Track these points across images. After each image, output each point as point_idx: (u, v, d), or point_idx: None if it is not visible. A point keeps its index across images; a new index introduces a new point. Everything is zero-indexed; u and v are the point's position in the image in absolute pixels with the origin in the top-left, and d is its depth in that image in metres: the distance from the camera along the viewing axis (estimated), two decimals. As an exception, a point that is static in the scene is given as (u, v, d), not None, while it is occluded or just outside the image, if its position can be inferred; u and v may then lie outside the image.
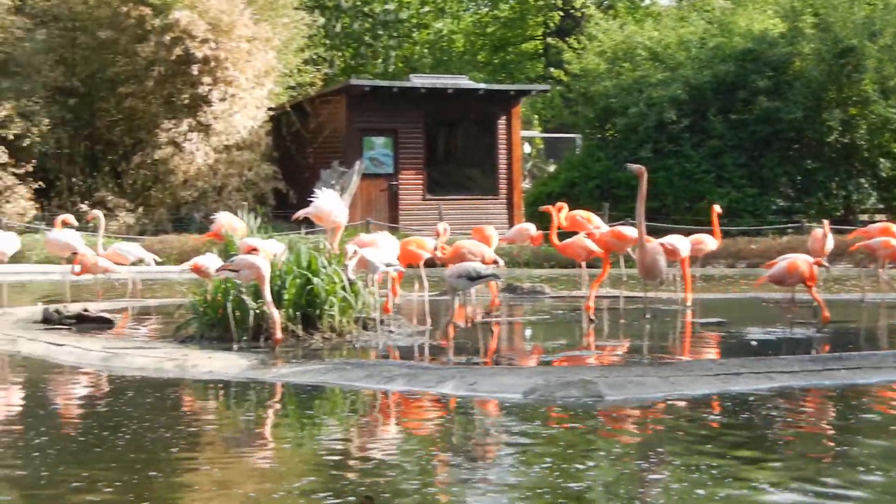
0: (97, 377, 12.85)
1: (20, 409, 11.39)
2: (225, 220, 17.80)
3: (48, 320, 16.74)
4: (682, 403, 10.72)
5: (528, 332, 17.27)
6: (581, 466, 8.29)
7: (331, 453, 9.03)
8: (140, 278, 22.42)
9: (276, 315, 13.84)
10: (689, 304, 18.17)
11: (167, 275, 27.73)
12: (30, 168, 38.58)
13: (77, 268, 18.95)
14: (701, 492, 7.47)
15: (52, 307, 17.15)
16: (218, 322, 14.70)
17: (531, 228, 21.11)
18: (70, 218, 19.17)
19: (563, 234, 20.03)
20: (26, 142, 38.38)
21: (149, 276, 28.57)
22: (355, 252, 15.14)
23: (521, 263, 27.74)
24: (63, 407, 11.36)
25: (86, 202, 39.07)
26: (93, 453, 8.87)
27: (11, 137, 38.03)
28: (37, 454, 8.80)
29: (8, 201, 38.23)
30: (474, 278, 13.92)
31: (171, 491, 7.92)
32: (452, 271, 14.04)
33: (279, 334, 13.82)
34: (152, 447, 9.07)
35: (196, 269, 16.18)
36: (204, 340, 14.54)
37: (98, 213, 19.97)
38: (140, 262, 19.80)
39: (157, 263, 21.37)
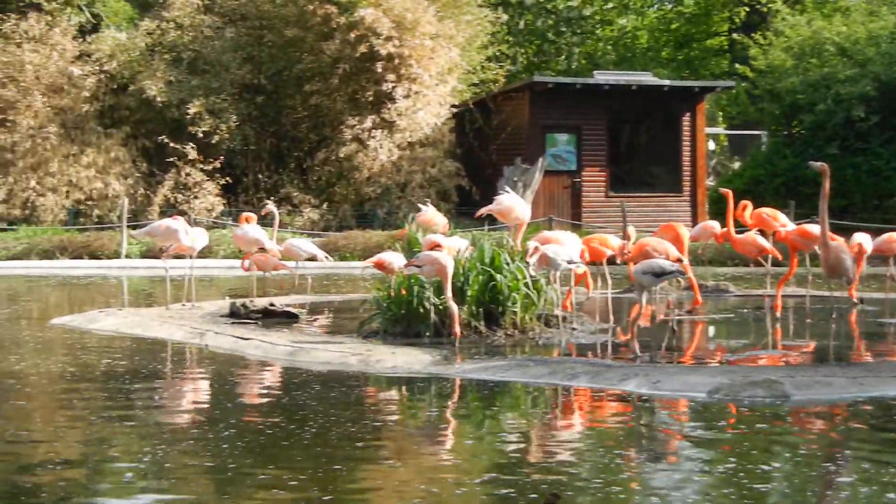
0: (283, 371, 13.03)
1: (208, 402, 11.59)
2: (427, 215, 17.84)
3: (235, 314, 17.02)
4: (870, 405, 10.45)
5: (712, 331, 17.03)
6: (766, 467, 8.14)
7: (513, 450, 9.01)
8: (313, 274, 22.64)
9: (455, 311, 13.85)
10: (855, 300, 17.59)
11: (351, 270, 28.04)
12: (217, 164, 39.32)
13: (248, 262, 19.23)
14: (891, 496, 7.27)
15: (238, 302, 17.43)
16: (401, 318, 14.79)
17: (716, 226, 20.79)
18: (252, 216, 19.48)
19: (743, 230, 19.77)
20: (214, 138, 39.13)
21: (333, 271, 28.95)
22: (536, 248, 15.09)
23: (705, 261, 27.39)
24: (250, 400, 11.53)
25: (272, 198, 39.69)
26: (279, 447, 8.99)
27: (200, 134, 38.80)
28: (225, 447, 8.94)
29: (196, 197, 39.03)
30: (660, 275, 13.74)
31: (354, 485, 7.97)
32: (639, 268, 13.90)
33: (457, 330, 13.83)
34: (337, 442, 9.15)
35: (379, 265, 16.30)
36: (387, 336, 14.64)
37: (272, 207, 20.25)
38: (312, 258, 20.02)
39: (329, 260, 21.58)
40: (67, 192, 39.20)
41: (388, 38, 38.90)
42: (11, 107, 39.30)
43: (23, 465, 8.59)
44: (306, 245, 20.11)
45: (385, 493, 7.71)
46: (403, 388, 12.01)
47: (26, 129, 39.20)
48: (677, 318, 17.31)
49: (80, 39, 41.71)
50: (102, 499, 7.74)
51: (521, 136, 41.25)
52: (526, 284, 15.01)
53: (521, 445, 9.23)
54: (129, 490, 7.93)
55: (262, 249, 19.32)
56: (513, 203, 16.66)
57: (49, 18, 41.04)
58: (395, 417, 10.54)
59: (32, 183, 38.75)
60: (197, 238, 18.26)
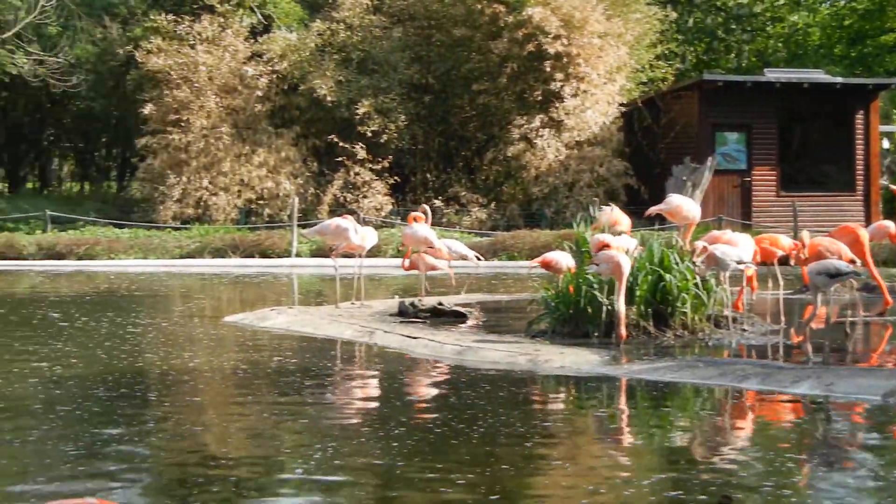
0: (451, 370, 13.07)
1: (377, 400, 11.69)
2: (612, 215, 17.74)
3: (404, 313, 17.13)
4: None
5: (889, 333, 16.64)
6: (947, 476, 7.92)
7: (681, 451, 8.91)
8: (478, 274, 22.61)
9: (623, 312, 13.75)
10: None
11: (519, 270, 28.03)
12: (386, 164, 39.65)
13: (406, 262, 19.30)
14: None
15: (407, 300, 17.54)
16: (569, 317, 14.74)
17: (890, 226, 20.32)
18: (421, 216, 19.59)
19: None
20: (383, 138, 39.47)
21: (502, 271, 28.99)
22: (704, 248, 14.92)
23: (879, 262, 26.78)
24: (419, 399, 11.59)
25: (440, 197, 39.92)
26: (448, 445, 9.02)
27: (369, 134, 39.16)
28: (395, 445, 9.00)
29: (365, 196, 39.40)
30: (834, 276, 13.47)
31: (521, 485, 7.96)
32: (813, 268, 13.64)
33: (623, 332, 13.72)
34: (505, 441, 9.15)
35: (545, 265, 16.24)
36: (555, 335, 14.60)
37: (426, 207, 20.31)
38: (463, 258, 20.02)
39: (479, 261, 21.54)
40: (239, 191, 39.87)
41: (557, 37, 38.83)
42: (185, 107, 40.10)
43: (195, 461, 8.75)
44: (457, 246, 20.12)
45: (552, 494, 7.69)
46: (571, 388, 11.97)
47: (199, 129, 39.96)
48: (860, 319, 16.95)
49: (252, 40, 42.41)
50: (272, 495, 7.85)
51: (690, 135, 40.85)
52: (696, 284, 14.84)
53: (690, 447, 9.13)
54: (299, 486, 8.03)
55: (432, 247, 19.40)
56: (682, 202, 16.51)
57: (222, 20, 41.80)
58: (563, 417, 10.51)
59: (205, 182, 39.48)
60: (366, 237, 18.42)
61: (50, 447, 9.05)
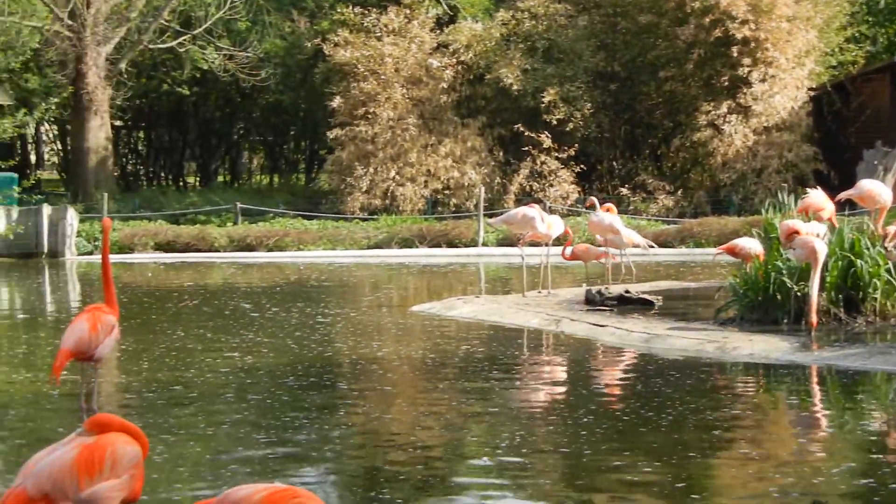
0: (639, 358, 13.02)
1: (566, 387, 11.70)
2: (816, 200, 17.39)
3: (590, 301, 17.09)
4: None
5: None
6: None
7: (874, 439, 8.74)
8: (647, 262, 22.35)
9: (815, 299, 13.47)
10: None
11: (706, 257, 27.74)
12: (572, 152, 39.56)
13: (568, 251, 19.19)
14: None
15: (594, 289, 17.49)
16: (758, 305, 14.53)
17: None
18: (611, 206, 19.48)
19: None
20: (569, 126, 39.39)
21: (689, 258, 28.72)
22: (896, 233, 14.58)
23: None
24: (607, 387, 11.57)
25: (626, 185, 39.71)
26: (636, 433, 8.99)
27: (555, 123, 39.12)
28: (584, 433, 9.00)
29: (551, 185, 39.38)
30: None
31: (707, 473, 7.90)
32: None
33: (813, 319, 13.44)
34: (693, 429, 9.09)
35: (731, 251, 16.05)
36: (744, 322, 14.41)
37: (594, 199, 20.14)
38: (635, 246, 19.81)
39: (652, 248, 21.28)
40: (426, 181, 40.19)
41: (744, 22, 38.28)
42: (372, 99, 40.53)
43: (384, 448, 8.87)
44: (630, 234, 19.89)
45: (739, 482, 7.61)
46: (760, 375, 11.82)
47: (386, 120, 40.37)
48: None
49: (438, 31, 42.67)
50: (460, 482, 7.91)
51: (881, 119, 39.90)
52: (888, 270, 14.49)
53: (882, 435, 8.94)
54: (487, 472, 8.08)
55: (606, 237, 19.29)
56: (874, 187, 16.14)
57: (408, 11, 42.12)
58: (752, 405, 10.38)
59: (392, 173, 39.88)
60: (553, 225, 18.42)
61: (242, 434, 9.26)
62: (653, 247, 21.33)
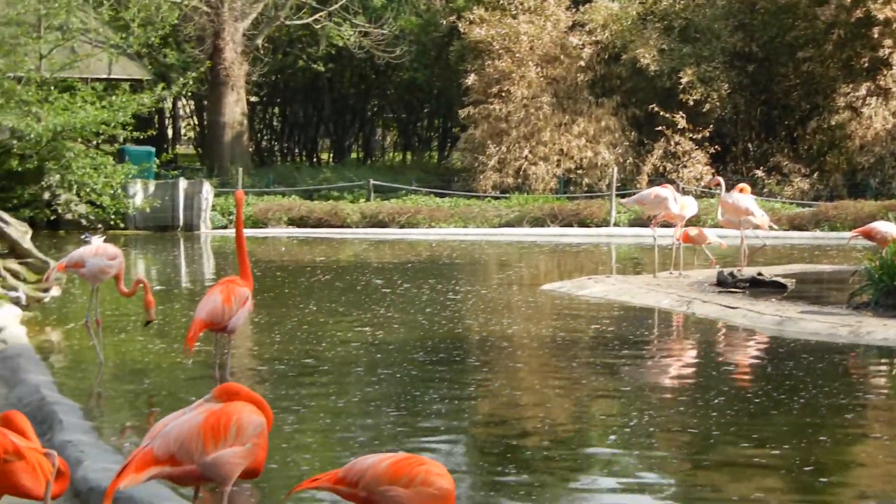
0: (770, 340, 12.89)
1: (696, 368, 11.63)
2: None
3: (722, 283, 16.94)
4: None
5: None
6: None
7: None
8: (781, 244, 21.95)
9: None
10: None
11: (841, 241, 27.33)
12: (706, 133, 39.17)
13: (679, 232, 18.95)
14: None
15: (726, 270, 17.34)
16: (893, 289, 14.27)
17: None
18: (746, 187, 19.26)
19: None
20: (705, 107, 39.00)
21: (824, 242, 28.32)
22: None
23: None
24: (737, 368, 11.49)
25: (760, 167, 39.22)
26: (766, 416, 8.92)
27: (691, 103, 38.76)
28: (713, 414, 8.96)
29: (685, 166, 39.04)
30: None
31: (837, 457, 7.81)
32: None
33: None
34: (825, 412, 8.99)
35: (866, 234, 15.78)
36: (878, 307, 14.16)
37: (720, 179, 19.87)
38: (756, 228, 19.51)
39: (774, 229, 20.95)
40: (558, 160, 40.08)
41: (886, 2, 37.53)
42: (507, 77, 40.49)
43: (512, 425, 8.90)
44: (761, 215, 19.58)
45: (869, 468, 7.52)
46: (894, 360, 11.63)
47: (520, 99, 40.31)
48: None
49: (574, 10, 42.47)
50: (587, 461, 7.92)
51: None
52: None
53: None
54: (614, 450, 8.08)
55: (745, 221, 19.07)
56: None
57: (544, -10, 42.00)
58: (885, 390, 10.24)
59: (525, 152, 39.84)
60: (686, 206, 18.29)
61: (372, 407, 9.36)
62: (773, 228, 20.95)
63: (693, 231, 19.09)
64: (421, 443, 8.10)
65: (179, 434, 4.75)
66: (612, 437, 8.46)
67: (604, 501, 7.00)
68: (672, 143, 39.16)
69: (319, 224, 34.58)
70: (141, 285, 10.98)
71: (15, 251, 15.01)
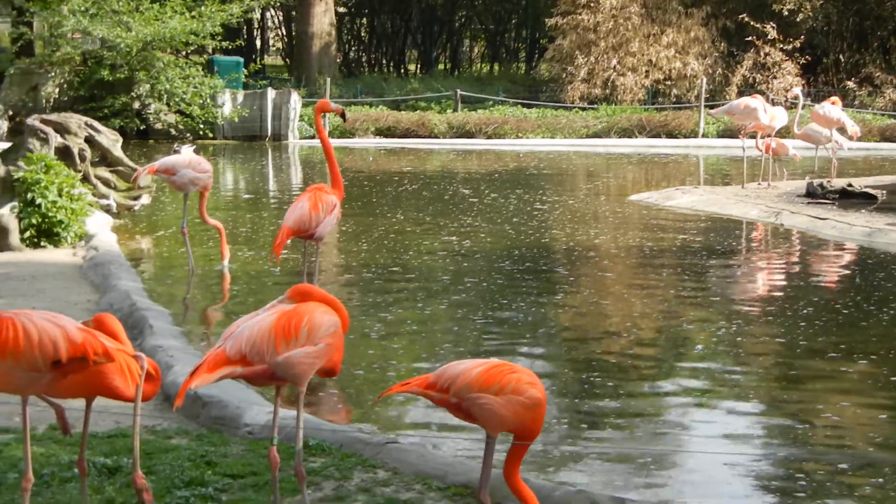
0: (859, 252, 12.77)
1: (783, 279, 11.56)
2: None
3: (812, 194, 16.77)
4: None
5: None
6: None
7: None
8: (871, 156, 21.59)
9: None
10: None
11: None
12: (797, 44, 38.59)
13: (761, 143, 18.69)
14: None
15: (815, 181, 17.16)
16: None
17: None
18: (837, 99, 18.96)
19: None
20: (798, 17, 38.39)
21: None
22: None
23: None
24: (825, 280, 11.41)
25: (852, 79, 38.61)
26: (855, 326, 8.86)
27: (785, 13, 38.16)
28: (801, 324, 8.91)
29: (775, 77, 38.52)
30: None
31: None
32: None
33: None
34: (915, 324, 8.93)
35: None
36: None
37: (797, 91, 19.54)
38: (849, 139, 19.20)
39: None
40: (647, 71, 39.69)
41: None
42: (596, -12, 40.10)
43: (598, 333, 8.93)
44: (851, 126, 19.28)
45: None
46: None
47: (609, 9, 39.88)
48: None
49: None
50: (672, 368, 7.92)
51: None
52: None
53: None
54: (699, 360, 8.07)
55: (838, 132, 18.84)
56: None
57: None
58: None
59: (613, 63, 39.49)
60: (776, 117, 18.08)
61: (459, 315, 9.41)
62: (852, 139, 20.58)
63: (773, 142, 18.88)
64: (507, 350, 8.14)
65: (251, 334, 4.78)
66: (699, 346, 8.46)
67: (688, 410, 7.01)
68: (762, 54, 38.61)
69: (406, 134, 34.57)
70: (218, 231, 11.17)
71: (106, 159, 15.18)
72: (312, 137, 32.89)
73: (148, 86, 31.55)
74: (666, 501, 5.46)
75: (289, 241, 9.12)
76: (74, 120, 15.06)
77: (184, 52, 33.75)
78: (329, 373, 5.06)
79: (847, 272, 11.81)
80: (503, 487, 5.26)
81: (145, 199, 15.38)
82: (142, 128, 31.75)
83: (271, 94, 33.95)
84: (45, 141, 13.97)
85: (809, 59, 39.27)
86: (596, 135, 34.11)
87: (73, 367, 4.49)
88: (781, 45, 38.20)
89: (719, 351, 8.27)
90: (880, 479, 5.77)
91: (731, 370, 7.79)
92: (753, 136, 18.80)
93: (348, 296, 10.13)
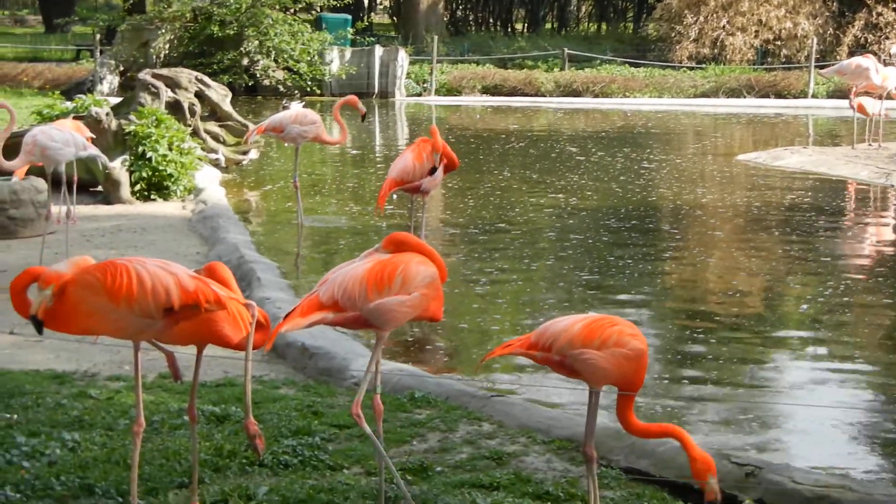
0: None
1: (892, 241, 11.42)
2: None
3: (925, 155, 16.53)
4: None
5: None
6: None
7: None
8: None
9: None
10: None
11: None
12: (912, 3, 37.93)
13: (855, 101, 18.33)
14: None
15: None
16: None
17: None
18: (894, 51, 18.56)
19: None
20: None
21: None
22: None
23: None
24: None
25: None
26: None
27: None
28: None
29: (887, 37, 37.86)
30: None
31: None
32: None
33: None
34: None
35: None
36: None
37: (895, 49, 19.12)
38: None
39: None
40: (756, 31, 39.18)
41: None
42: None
43: (703, 291, 8.89)
44: None
45: None
46: None
47: (719, -32, 39.47)
48: None
49: None
50: (776, 328, 7.87)
51: None
52: None
53: None
54: (803, 321, 8.01)
55: None
56: None
57: None
58: None
59: (723, 22, 39.04)
60: (888, 77, 17.78)
61: (564, 271, 9.41)
62: None
63: (867, 101, 18.55)
64: (612, 305, 8.14)
65: (344, 281, 4.80)
66: (804, 306, 8.39)
67: (794, 369, 6.97)
68: (874, 14, 37.97)
69: (513, 93, 34.46)
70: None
71: (215, 114, 15.34)
72: (419, 95, 32.97)
73: (256, 42, 31.75)
74: (769, 458, 5.42)
75: (395, 197, 9.16)
76: (185, 75, 15.25)
77: (292, 9, 33.93)
78: (431, 319, 5.07)
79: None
80: (608, 441, 5.29)
81: (253, 154, 15.53)
82: (250, 84, 31.96)
83: (379, 51, 34.01)
84: (156, 95, 14.17)
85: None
86: (704, 95, 33.76)
87: (185, 315, 4.56)
88: (894, 5, 37.55)
89: (826, 311, 8.20)
90: None
91: (839, 330, 7.73)
92: (868, 95, 18.47)
93: (454, 250, 10.18)
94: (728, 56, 38.37)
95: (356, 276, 4.86)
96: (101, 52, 32.02)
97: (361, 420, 4.71)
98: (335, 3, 33.17)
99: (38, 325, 4.46)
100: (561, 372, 4.67)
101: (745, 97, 33.33)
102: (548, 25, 54.36)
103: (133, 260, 4.56)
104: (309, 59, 32.22)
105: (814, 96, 32.76)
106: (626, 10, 56.85)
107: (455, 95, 33.47)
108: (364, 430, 4.72)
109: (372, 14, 53.04)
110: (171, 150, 12.47)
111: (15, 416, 5.49)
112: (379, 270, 4.86)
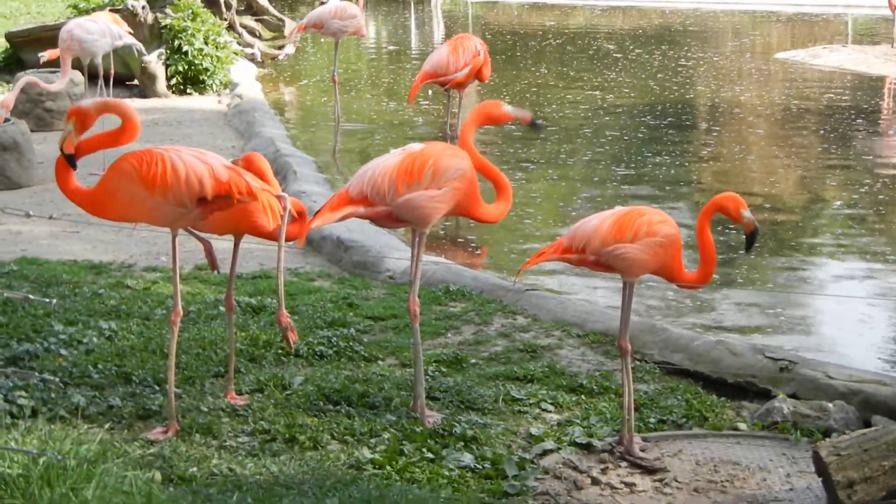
0: None
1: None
2: None
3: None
4: None
5: None
6: None
7: None
8: None
9: None
10: None
11: None
12: None
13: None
14: None
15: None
16: None
17: None
18: None
19: None
20: None
21: None
22: None
23: None
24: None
25: None
26: None
27: None
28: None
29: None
30: None
31: None
32: None
33: None
34: None
35: None
36: None
37: None
38: None
39: None
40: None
41: None
42: None
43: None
44: None
45: None
46: None
47: None
48: None
49: None
50: (810, 231, 7.84)
51: None
52: None
53: None
54: (837, 222, 7.98)
55: None
56: None
57: None
58: None
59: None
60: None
61: (601, 168, 9.39)
62: None
63: None
64: (645, 202, 8.11)
65: (373, 175, 4.75)
66: (837, 203, 8.35)
67: (825, 265, 6.96)
68: None
69: (550, -10, 34.21)
70: None
71: (251, 8, 15.27)
72: (456, -8, 32.71)
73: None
74: (800, 350, 5.42)
75: (430, 92, 9.13)
76: (221, -32, 15.15)
77: None
78: (472, 217, 5.02)
79: None
80: (642, 335, 5.30)
81: (290, 49, 15.47)
82: (287, -22, 31.81)
83: (416, -54, 33.69)
84: (192, -12, 14.09)
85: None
86: (747, -8, 33.35)
87: (219, 205, 4.57)
88: None
89: (860, 209, 8.16)
90: None
91: (871, 229, 7.69)
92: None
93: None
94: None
95: (386, 169, 4.82)
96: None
97: (416, 318, 4.71)
98: None
99: (69, 159, 4.54)
100: (597, 269, 4.68)
101: (785, -5, 32.82)
102: (586, -79, 53.54)
103: (170, 149, 4.57)
104: (344, -48, 31.92)
105: (856, -6, 32.25)
106: None
107: (492, -8, 33.16)
108: (414, 329, 4.71)
109: None
110: (206, 43, 12.44)
111: (54, 302, 5.53)
112: (409, 164, 4.81)
